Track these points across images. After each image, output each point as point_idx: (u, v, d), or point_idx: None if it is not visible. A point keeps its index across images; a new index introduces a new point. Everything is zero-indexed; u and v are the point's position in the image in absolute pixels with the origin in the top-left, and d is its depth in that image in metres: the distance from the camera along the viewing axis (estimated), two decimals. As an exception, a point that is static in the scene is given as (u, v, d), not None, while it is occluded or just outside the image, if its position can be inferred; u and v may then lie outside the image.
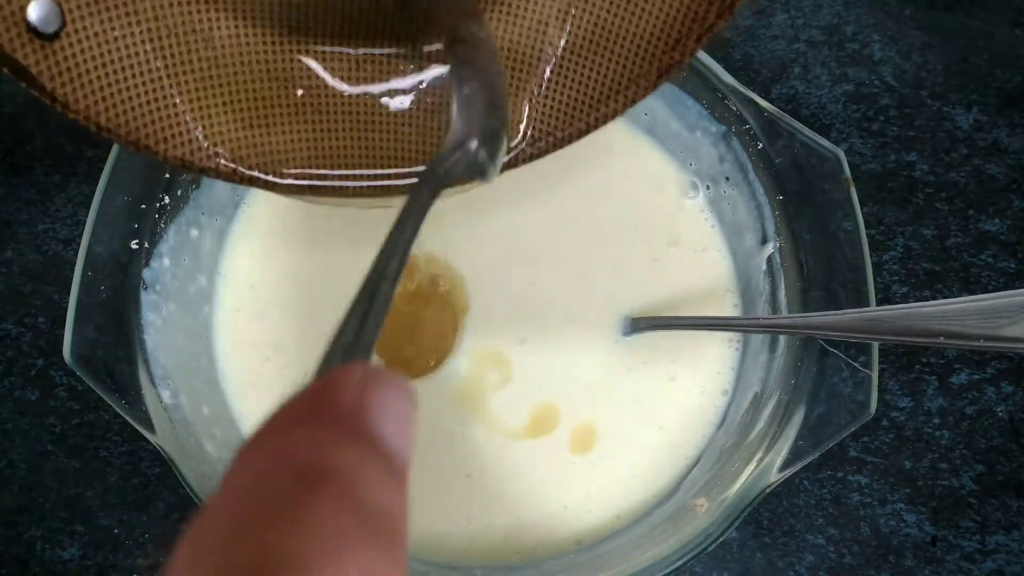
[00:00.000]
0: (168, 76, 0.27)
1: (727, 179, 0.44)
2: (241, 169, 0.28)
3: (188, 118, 0.27)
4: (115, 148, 0.37)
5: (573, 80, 0.29)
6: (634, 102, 0.29)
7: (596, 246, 0.45)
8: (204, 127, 0.28)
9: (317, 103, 0.29)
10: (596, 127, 0.29)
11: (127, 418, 0.35)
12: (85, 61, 0.26)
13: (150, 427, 0.35)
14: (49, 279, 0.46)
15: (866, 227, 0.39)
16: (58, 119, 0.49)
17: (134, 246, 0.38)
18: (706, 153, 0.45)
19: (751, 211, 0.43)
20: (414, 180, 0.30)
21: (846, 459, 0.46)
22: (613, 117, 0.29)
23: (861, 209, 0.39)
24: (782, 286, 0.41)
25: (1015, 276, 0.49)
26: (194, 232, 0.42)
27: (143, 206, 0.38)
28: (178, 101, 0.27)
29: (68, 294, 0.36)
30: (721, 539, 0.35)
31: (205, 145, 0.28)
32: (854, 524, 0.45)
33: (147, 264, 0.38)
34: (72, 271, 0.36)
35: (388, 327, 0.43)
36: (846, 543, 0.45)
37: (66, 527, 0.43)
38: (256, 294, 0.44)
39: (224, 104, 0.28)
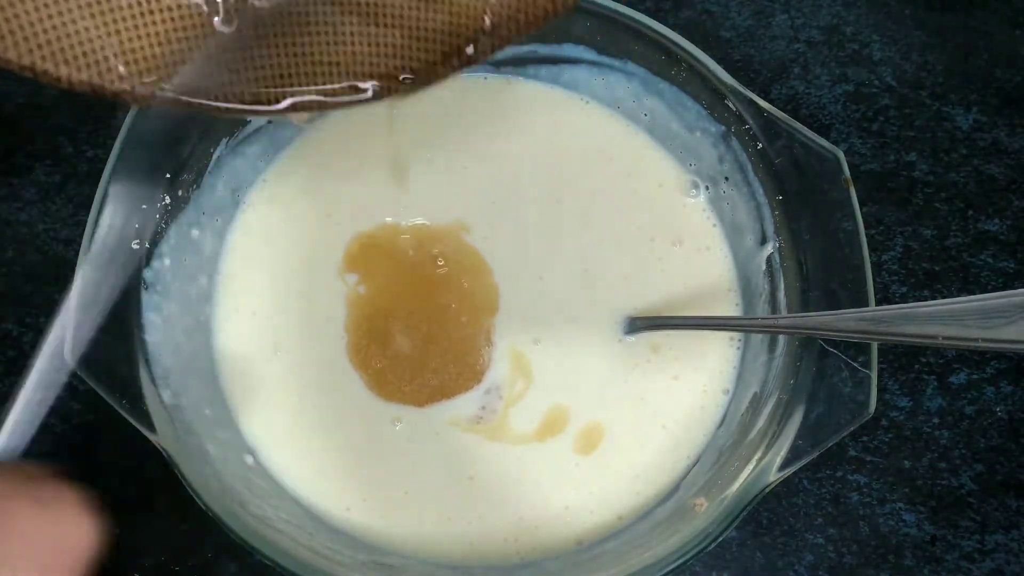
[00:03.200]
0: None
1: (727, 179, 0.44)
2: (165, 93, 0.26)
3: (94, 35, 0.24)
4: (116, 149, 0.37)
5: None
6: None
7: (599, 245, 0.45)
8: (116, 45, 0.25)
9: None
10: (563, 8, 0.27)
11: (128, 418, 0.35)
12: None
13: (151, 427, 0.35)
14: (50, 279, 0.46)
15: (866, 227, 0.39)
16: (59, 119, 0.49)
17: (135, 246, 0.38)
18: (706, 153, 0.45)
19: (751, 211, 0.43)
20: (351, 96, 0.28)
21: (845, 459, 0.46)
22: None
23: (861, 209, 0.39)
24: (781, 286, 0.41)
25: (1014, 276, 0.49)
26: (195, 232, 0.42)
27: (144, 206, 0.38)
28: (77, 16, 0.24)
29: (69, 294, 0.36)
30: (721, 538, 0.35)
31: (117, 66, 0.25)
32: (853, 523, 0.45)
33: (148, 264, 0.38)
34: (73, 271, 0.36)
35: (419, 361, 0.42)
36: (845, 542, 0.45)
37: (67, 527, 0.43)
38: (256, 294, 0.44)
39: (135, 18, 0.25)
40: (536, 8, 0.27)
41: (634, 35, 0.42)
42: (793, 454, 0.36)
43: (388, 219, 0.45)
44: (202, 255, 0.43)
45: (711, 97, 0.42)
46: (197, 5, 0.26)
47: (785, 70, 0.53)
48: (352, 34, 0.28)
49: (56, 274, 0.46)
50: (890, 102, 0.52)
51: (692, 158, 0.46)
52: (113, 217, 0.37)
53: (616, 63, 0.45)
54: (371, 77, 0.29)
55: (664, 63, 0.43)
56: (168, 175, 0.39)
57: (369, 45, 0.28)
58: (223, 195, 0.44)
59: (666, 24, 0.42)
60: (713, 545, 0.35)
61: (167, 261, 0.40)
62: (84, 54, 0.25)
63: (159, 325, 0.38)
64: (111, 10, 0.25)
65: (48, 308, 0.45)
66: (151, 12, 0.26)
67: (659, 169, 0.47)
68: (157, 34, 0.26)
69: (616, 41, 0.43)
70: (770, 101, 0.41)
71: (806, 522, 0.45)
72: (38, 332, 0.45)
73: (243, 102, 0.28)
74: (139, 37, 0.26)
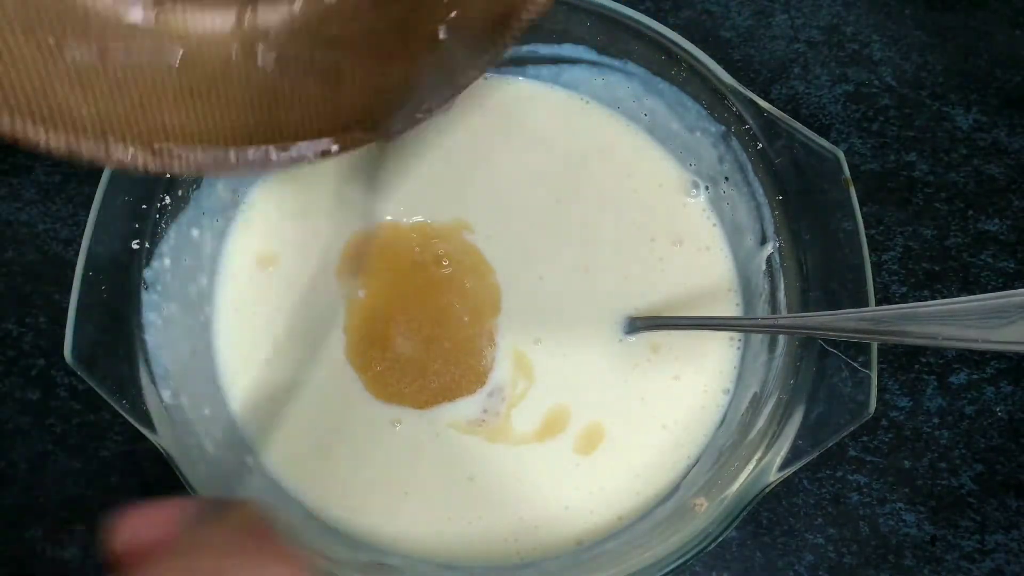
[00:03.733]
0: (48, 57, 0.24)
1: (727, 179, 0.44)
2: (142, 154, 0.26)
3: (73, 103, 0.25)
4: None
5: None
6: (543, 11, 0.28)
7: (599, 245, 0.45)
8: (95, 113, 0.25)
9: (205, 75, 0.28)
10: (514, 39, 0.29)
11: (128, 418, 0.35)
12: None
13: (151, 427, 0.35)
14: (50, 279, 0.46)
15: (866, 227, 0.39)
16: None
17: (135, 246, 0.38)
18: (706, 153, 0.45)
19: (751, 211, 0.43)
20: (321, 148, 0.29)
21: (845, 459, 0.46)
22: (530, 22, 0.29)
23: (861, 209, 0.39)
24: (781, 286, 0.41)
25: (1014, 276, 0.49)
26: (195, 232, 0.42)
27: (144, 206, 0.38)
28: (57, 86, 0.24)
29: (69, 294, 0.36)
30: (721, 538, 0.35)
31: (103, 132, 0.25)
32: (853, 524, 0.45)
33: (148, 264, 0.38)
34: (73, 271, 0.36)
35: (422, 364, 0.42)
36: (845, 543, 0.45)
37: (66, 527, 0.43)
38: (256, 294, 0.44)
39: (112, 89, 0.26)
40: (487, 54, 0.29)
41: (634, 35, 0.42)
42: (793, 454, 0.36)
43: (388, 217, 0.45)
44: (202, 255, 0.43)
45: (711, 97, 0.42)
46: (168, 73, 0.27)
47: (785, 70, 0.53)
48: (314, 94, 0.29)
49: (56, 274, 0.46)
50: (890, 102, 0.52)
51: (692, 158, 0.46)
52: (113, 217, 0.37)
53: (616, 63, 0.45)
54: (333, 133, 0.30)
55: (664, 63, 0.43)
56: (168, 175, 0.39)
57: (330, 104, 0.30)
58: (223, 195, 0.44)
59: (666, 24, 0.42)
60: (713, 545, 0.35)
61: (167, 261, 0.40)
62: (63, 120, 0.25)
63: (159, 325, 0.38)
64: (90, 79, 0.26)
65: (48, 308, 0.46)
66: (128, 81, 0.27)
67: (659, 169, 0.47)
68: (132, 100, 0.27)
69: (616, 41, 0.43)
70: (770, 101, 0.41)
71: (806, 522, 0.45)
72: (38, 332, 0.45)
73: (208, 165, 0.29)
74: (115, 103, 0.26)
